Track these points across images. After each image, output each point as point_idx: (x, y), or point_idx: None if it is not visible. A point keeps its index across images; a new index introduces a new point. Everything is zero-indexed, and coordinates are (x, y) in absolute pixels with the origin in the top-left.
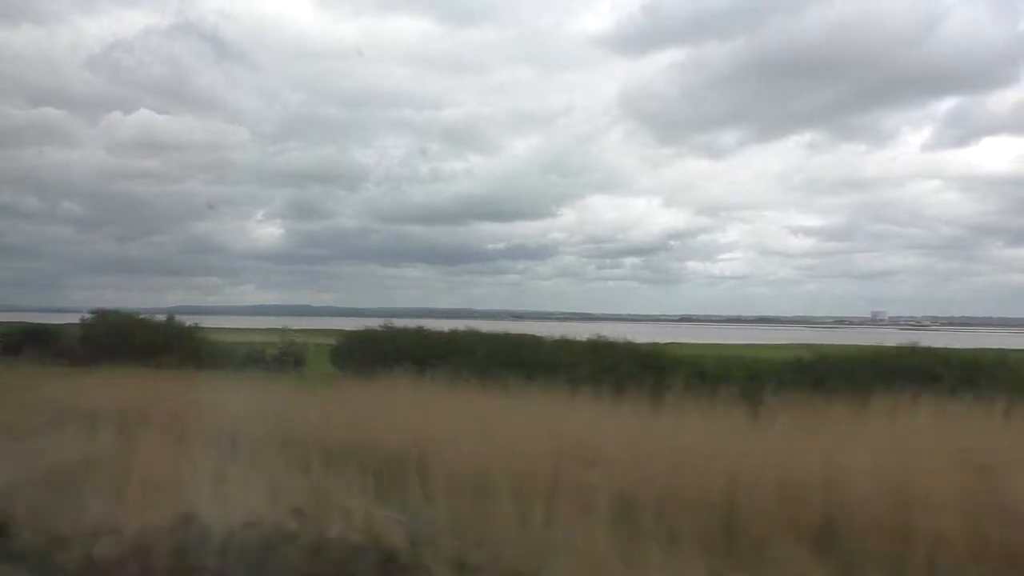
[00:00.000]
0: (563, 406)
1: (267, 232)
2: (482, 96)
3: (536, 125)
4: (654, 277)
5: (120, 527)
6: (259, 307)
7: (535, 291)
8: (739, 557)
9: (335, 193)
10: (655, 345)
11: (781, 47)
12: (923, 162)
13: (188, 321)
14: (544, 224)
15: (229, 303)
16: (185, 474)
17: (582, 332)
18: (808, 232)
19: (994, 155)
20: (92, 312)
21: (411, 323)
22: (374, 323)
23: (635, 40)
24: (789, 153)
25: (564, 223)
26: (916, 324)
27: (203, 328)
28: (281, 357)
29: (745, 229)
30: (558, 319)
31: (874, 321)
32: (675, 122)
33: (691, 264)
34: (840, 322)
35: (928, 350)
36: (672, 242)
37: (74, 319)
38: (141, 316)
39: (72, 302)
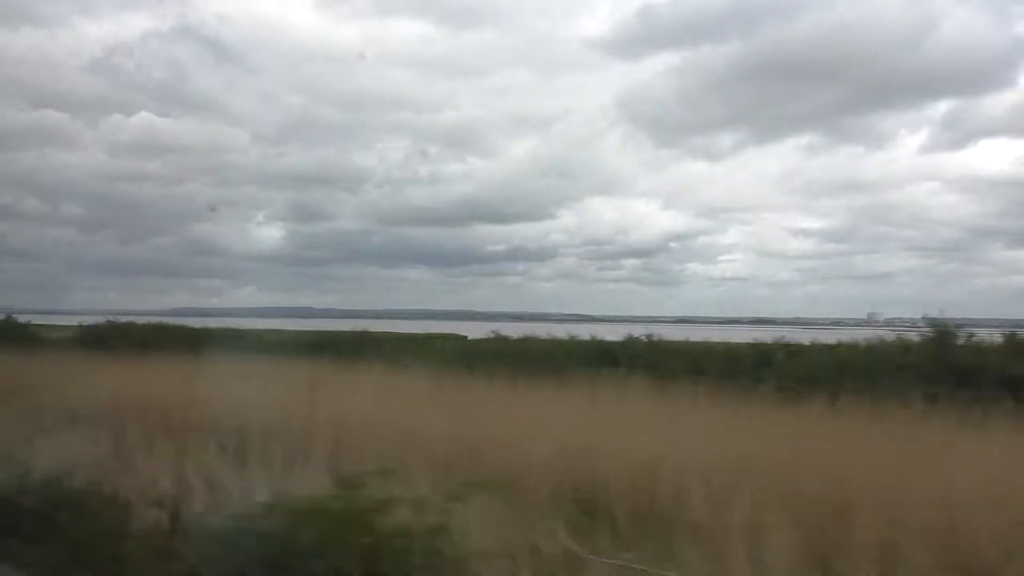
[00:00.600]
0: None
1: (268, 234)
2: (481, 99)
3: (535, 128)
4: (655, 279)
5: None
6: (261, 309)
7: (536, 293)
8: None
9: (335, 195)
10: None
11: (776, 50)
12: (921, 164)
13: None
14: (544, 226)
15: (231, 305)
16: None
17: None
18: (807, 234)
19: (992, 157)
20: None
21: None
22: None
23: (631, 43)
24: (787, 156)
25: (564, 225)
26: (911, 325)
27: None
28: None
29: (745, 231)
30: (557, 320)
31: (869, 322)
32: (672, 125)
33: (691, 266)
34: (836, 324)
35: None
36: (672, 244)
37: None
38: None
39: (74, 304)
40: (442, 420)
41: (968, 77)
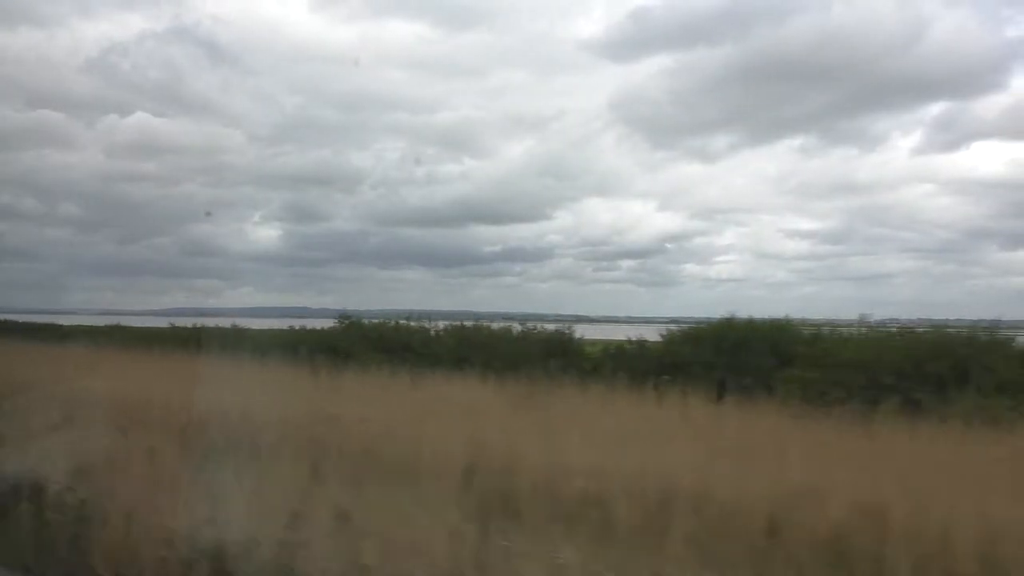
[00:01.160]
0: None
1: (265, 235)
2: (477, 99)
3: (530, 129)
4: (651, 280)
5: None
6: (258, 309)
7: (533, 293)
8: None
9: (332, 196)
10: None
11: (770, 53)
12: (914, 166)
13: None
14: (540, 227)
15: (229, 305)
16: None
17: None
18: (803, 235)
19: (985, 159)
20: None
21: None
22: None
23: (625, 45)
24: (781, 157)
25: (560, 226)
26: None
27: None
28: None
29: (740, 232)
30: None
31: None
32: (667, 126)
33: (688, 267)
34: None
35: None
36: (668, 245)
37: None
38: None
39: (72, 304)
40: None
41: (960, 80)
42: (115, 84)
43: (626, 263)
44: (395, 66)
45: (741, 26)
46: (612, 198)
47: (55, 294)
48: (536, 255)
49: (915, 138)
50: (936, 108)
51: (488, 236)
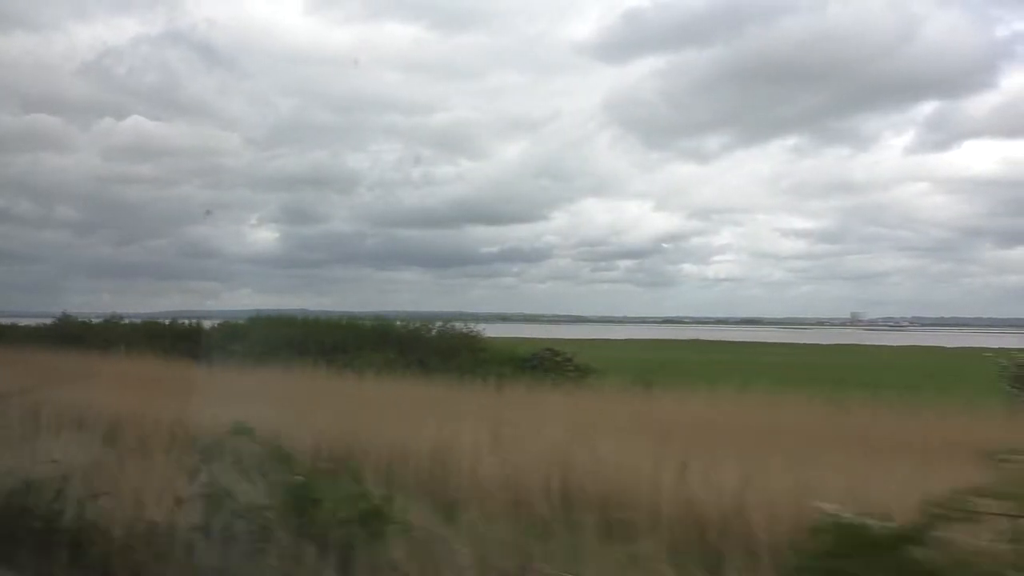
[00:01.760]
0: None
1: (262, 236)
2: (473, 101)
3: (526, 130)
4: (649, 280)
5: None
6: (256, 311)
7: (530, 294)
8: None
9: (329, 197)
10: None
11: (760, 54)
12: (907, 165)
13: None
14: (537, 227)
15: (226, 307)
16: None
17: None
18: (799, 235)
19: (977, 158)
20: None
21: None
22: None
23: (618, 47)
24: (774, 157)
25: (557, 226)
26: (894, 325)
27: None
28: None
29: (737, 232)
30: (551, 321)
31: (853, 322)
32: (661, 127)
33: (685, 267)
34: (821, 323)
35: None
36: (665, 245)
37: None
38: None
39: (69, 306)
40: None
41: (951, 79)
42: (111, 88)
43: (623, 263)
44: (391, 68)
45: (733, 27)
46: (608, 199)
47: (52, 297)
48: (533, 256)
49: (907, 137)
50: (928, 107)
51: (485, 237)
